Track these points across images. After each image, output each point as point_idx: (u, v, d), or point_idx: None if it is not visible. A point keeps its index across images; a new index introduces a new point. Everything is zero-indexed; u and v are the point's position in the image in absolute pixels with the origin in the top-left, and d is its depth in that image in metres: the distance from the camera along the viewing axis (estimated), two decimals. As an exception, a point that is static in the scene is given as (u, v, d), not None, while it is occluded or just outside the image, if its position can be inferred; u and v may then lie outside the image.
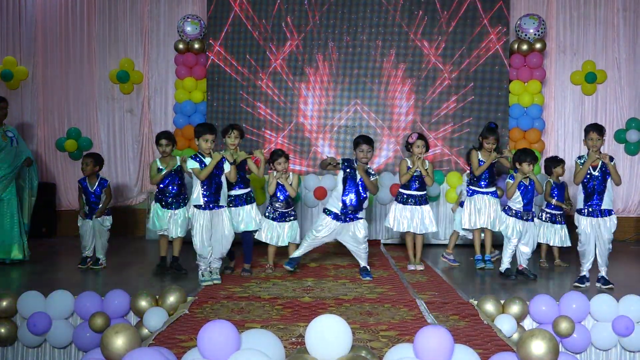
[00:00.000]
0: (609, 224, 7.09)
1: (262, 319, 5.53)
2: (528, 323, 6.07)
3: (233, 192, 7.60)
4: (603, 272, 7.14)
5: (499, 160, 8.24)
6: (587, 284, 7.12)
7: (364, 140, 7.50)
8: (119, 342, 3.71)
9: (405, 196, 8.08)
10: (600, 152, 7.05)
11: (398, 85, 10.70)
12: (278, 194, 7.81)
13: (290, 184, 7.80)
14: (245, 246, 7.81)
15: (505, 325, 5.78)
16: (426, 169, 7.92)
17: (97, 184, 8.02)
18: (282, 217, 7.86)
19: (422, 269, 8.11)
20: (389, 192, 10.28)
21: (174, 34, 11.14)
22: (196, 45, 10.82)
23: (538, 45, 10.71)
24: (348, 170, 7.43)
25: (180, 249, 7.82)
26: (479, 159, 8.21)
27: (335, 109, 10.73)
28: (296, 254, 7.61)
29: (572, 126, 11.24)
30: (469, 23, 10.66)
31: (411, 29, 10.68)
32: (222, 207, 7.09)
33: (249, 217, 7.67)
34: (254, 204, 7.80)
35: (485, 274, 7.96)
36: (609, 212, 7.09)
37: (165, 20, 11.40)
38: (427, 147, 8.07)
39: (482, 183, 8.26)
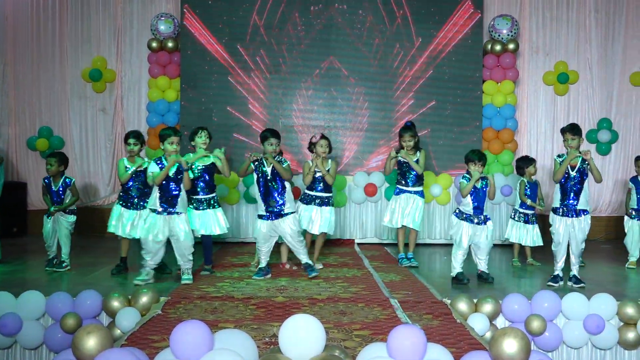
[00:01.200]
0: (583, 224, 7.14)
1: (236, 319, 5.51)
2: (501, 322, 6.11)
3: (197, 196, 7.59)
4: (575, 271, 7.20)
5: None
6: (561, 282, 7.18)
7: (272, 134, 7.48)
8: (91, 342, 3.67)
9: (309, 197, 8.06)
10: (580, 151, 7.10)
11: (373, 86, 10.70)
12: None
13: (328, 171, 7.89)
14: (205, 249, 7.78)
15: (478, 324, 5.81)
16: (328, 170, 7.93)
17: (60, 182, 7.93)
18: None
19: (320, 267, 8.12)
20: (364, 192, 10.31)
21: (147, 33, 11.07)
22: (170, 44, 10.75)
23: (511, 46, 10.78)
24: (258, 167, 7.40)
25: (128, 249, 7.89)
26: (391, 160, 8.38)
27: (311, 109, 10.70)
28: (261, 263, 7.57)
29: (545, 126, 11.33)
30: (442, 22, 10.69)
31: (385, 28, 10.69)
32: (179, 213, 7.02)
33: (211, 221, 7.64)
34: (219, 209, 7.76)
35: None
36: (584, 212, 7.14)
37: (139, 19, 11.32)
38: (330, 148, 8.04)
39: (410, 182, 8.34)
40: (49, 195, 7.95)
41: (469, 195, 7.36)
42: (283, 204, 7.33)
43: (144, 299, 5.93)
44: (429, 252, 9.43)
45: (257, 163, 7.38)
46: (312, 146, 7.98)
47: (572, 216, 7.12)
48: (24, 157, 11.43)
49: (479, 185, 7.38)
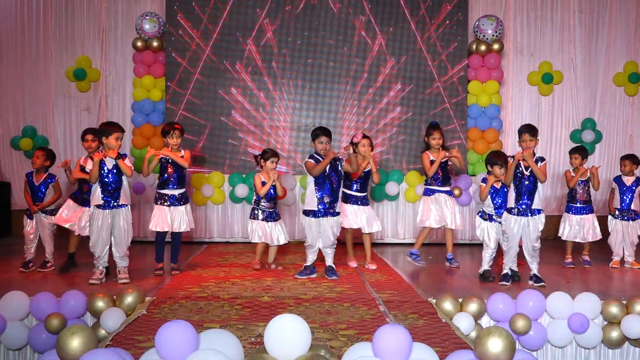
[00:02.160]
0: (538, 223, 7.18)
1: (221, 319, 5.50)
2: (485, 321, 6.13)
3: (167, 191, 7.62)
4: (535, 270, 7.24)
5: (451, 160, 8.33)
6: (511, 281, 7.24)
7: (323, 132, 7.51)
8: (75, 343, 3.66)
9: (348, 196, 8.16)
10: (523, 152, 7.17)
11: (357, 86, 10.71)
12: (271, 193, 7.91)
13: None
14: (173, 247, 7.80)
15: (463, 323, 5.83)
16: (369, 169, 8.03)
17: (43, 179, 7.88)
18: (271, 217, 7.97)
19: (374, 267, 8.20)
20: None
21: (132, 32, 11.02)
22: (155, 43, 10.71)
23: (496, 46, 10.82)
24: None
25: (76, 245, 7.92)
26: (430, 159, 8.32)
27: (295, 110, 10.70)
28: (308, 262, 7.61)
29: (529, 126, 11.37)
30: (428, 22, 10.72)
31: (371, 27, 10.70)
32: (122, 206, 7.11)
33: (181, 217, 7.66)
34: (188, 205, 7.80)
35: (447, 273, 8.02)
36: (538, 212, 7.19)
37: (124, 18, 11.26)
38: (372, 146, 8.17)
39: (438, 182, 8.37)
40: (29, 191, 7.89)
41: (489, 197, 7.63)
42: (336, 202, 7.44)
43: (129, 299, 5.91)
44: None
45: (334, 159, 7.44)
46: (353, 145, 7.98)
47: (526, 215, 7.16)
48: (8, 156, 11.35)
49: (498, 185, 7.61)
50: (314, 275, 7.45)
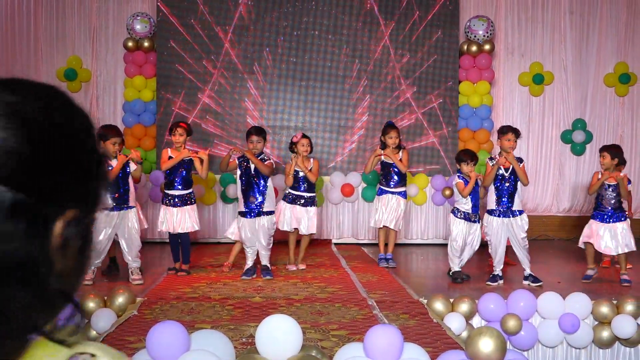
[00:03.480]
0: (521, 222, 7.21)
1: (213, 320, 5.50)
2: (477, 321, 6.14)
3: (173, 192, 7.60)
4: (528, 270, 7.28)
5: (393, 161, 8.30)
6: (500, 281, 7.26)
7: (255, 131, 7.52)
8: (66, 344, 3.65)
9: (293, 196, 8.03)
10: (507, 155, 7.22)
11: (347, 85, 10.71)
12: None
13: (310, 169, 7.89)
14: (183, 247, 7.77)
15: (454, 323, 5.84)
16: (310, 168, 7.95)
17: None
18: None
19: (303, 268, 8.16)
20: (340, 192, 10.31)
21: (123, 32, 10.99)
22: (146, 44, 10.68)
23: (487, 47, 10.84)
24: (241, 162, 7.45)
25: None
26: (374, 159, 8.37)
27: (285, 108, 10.70)
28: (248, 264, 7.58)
29: (520, 127, 11.29)
30: (419, 23, 10.73)
31: (362, 28, 10.71)
32: (131, 207, 7.15)
33: (187, 218, 7.65)
34: (194, 205, 7.77)
35: (437, 274, 8.04)
36: (519, 212, 7.22)
37: (114, 18, 11.22)
38: (311, 147, 8.07)
39: (392, 183, 8.35)
40: None
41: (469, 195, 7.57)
42: (263, 202, 7.36)
43: (120, 300, 5.90)
44: (406, 252, 9.46)
45: (241, 159, 7.40)
46: (293, 146, 7.98)
47: (508, 216, 7.20)
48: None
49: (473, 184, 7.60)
50: (254, 276, 7.46)
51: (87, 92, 11.23)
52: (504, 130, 7.34)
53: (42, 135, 0.86)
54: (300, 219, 7.94)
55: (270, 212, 7.45)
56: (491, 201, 7.28)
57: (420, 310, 5.86)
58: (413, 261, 9.04)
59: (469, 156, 7.59)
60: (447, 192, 10.05)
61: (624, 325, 6.08)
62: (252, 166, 7.35)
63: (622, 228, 7.44)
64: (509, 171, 7.15)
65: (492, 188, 7.26)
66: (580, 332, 6.10)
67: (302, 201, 7.95)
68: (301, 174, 7.90)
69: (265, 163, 7.44)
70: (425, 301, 6.17)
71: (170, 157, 7.53)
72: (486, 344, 3.48)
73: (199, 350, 3.50)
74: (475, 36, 10.76)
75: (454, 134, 10.72)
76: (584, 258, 7.74)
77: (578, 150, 11.36)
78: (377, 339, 3.62)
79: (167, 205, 7.59)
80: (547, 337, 6.15)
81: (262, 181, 7.38)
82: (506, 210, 7.17)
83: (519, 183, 7.20)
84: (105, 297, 5.97)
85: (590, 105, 11.49)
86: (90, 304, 5.83)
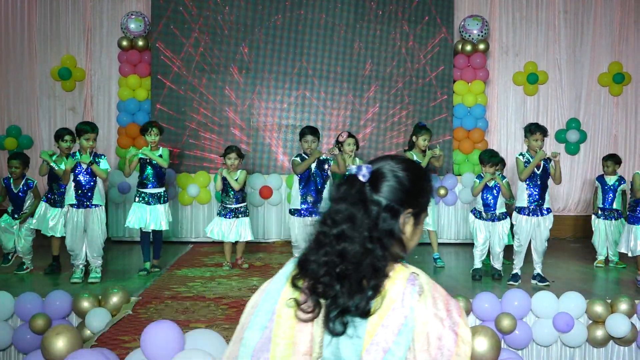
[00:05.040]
0: (548, 222, 7.24)
1: (207, 319, 5.50)
2: (471, 320, 6.15)
3: (147, 190, 7.69)
4: (539, 269, 7.30)
5: (430, 160, 8.27)
6: (520, 281, 7.29)
7: (309, 131, 7.52)
8: (60, 343, 3.65)
9: None
10: (553, 152, 7.26)
11: (343, 85, 10.71)
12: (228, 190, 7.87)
13: (236, 179, 7.82)
14: (156, 244, 7.88)
15: (449, 322, 5.83)
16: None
17: (22, 184, 7.81)
18: (232, 214, 7.94)
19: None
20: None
21: (117, 31, 10.96)
22: (140, 43, 10.66)
23: (481, 46, 10.84)
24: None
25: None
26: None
27: (282, 107, 10.69)
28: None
29: (515, 126, 11.41)
30: (414, 20, 10.74)
31: (356, 27, 10.72)
32: (96, 206, 7.15)
33: (159, 216, 7.71)
34: (167, 204, 7.85)
35: (433, 272, 8.05)
36: (548, 211, 7.24)
37: (109, 17, 11.20)
38: (357, 145, 8.14)
39: None
40: (8, 196, 7.82)
41: (480, 194, 7.66)
42: (320, 202, 7.42)
43: (115, 299, 5.89)
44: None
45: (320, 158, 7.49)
46: (339, 145, 8.00)
47: (537, 215, 7.21)
48: (-8, 156, 11.28)
49: (491, 184, 7.62)
50: None
51: (81, 91, 11.21)
52: (532, 130, 7.32)
53: (413, 179, 1.95)
54: None
55: None
56: (521, 199, 7.30)
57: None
58: (408, 261, 9.02)
59: (488, 157, 7.65)
60: (442, 192, 10.05)
61: (618, 324, 6.09)
62: (313, 166, 7.40)
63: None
64: (540, 168, 7.18)
65: (523, 185, 7.27)
66: (574, 331, 6.11)
67: None
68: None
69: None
70: (420, 300, 6.17)
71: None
72: (481, 343, 3.49)
73: (194, 350, 3.50)
74: (469, 35, 10.77)
75: (449, 133, 10.72)
76: (580, 257, 7.79)
77: (572, 149, 11.38)
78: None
79: (139, 203, 7.67)
80: (542, 336, 6.16)
81: (320, 181, 7.42)
82: (536, 208, 7.19)
83: (549, 180, 7.24)
84: (100, 297, 5.96)
85: (584, 104, 11.51)
86: (85, 304, 5.82)
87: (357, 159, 8.04)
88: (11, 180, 7.78)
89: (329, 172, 7.54)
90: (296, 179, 7.42)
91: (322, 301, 1.83)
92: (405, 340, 1.77)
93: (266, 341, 1.86)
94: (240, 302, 6.04)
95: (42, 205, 7.77)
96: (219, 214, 7.96)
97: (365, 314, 1.79)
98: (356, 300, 1.79)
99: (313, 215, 7.36)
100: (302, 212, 7.37)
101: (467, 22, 10.82)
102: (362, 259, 1.81)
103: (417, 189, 1.93)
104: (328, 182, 7.58)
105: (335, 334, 1.80)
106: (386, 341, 1.77)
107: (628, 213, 7.98)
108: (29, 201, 7.81)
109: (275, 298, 1.94)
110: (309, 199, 7.35)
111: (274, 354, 1.85)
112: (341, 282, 1.80)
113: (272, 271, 7.62)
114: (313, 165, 7.37)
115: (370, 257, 1.81)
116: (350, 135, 8.08)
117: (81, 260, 7.15)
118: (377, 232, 1.84)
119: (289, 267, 1.98)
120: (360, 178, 1.88)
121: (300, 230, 7.42)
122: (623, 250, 7.78)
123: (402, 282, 1.85)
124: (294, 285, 1.89)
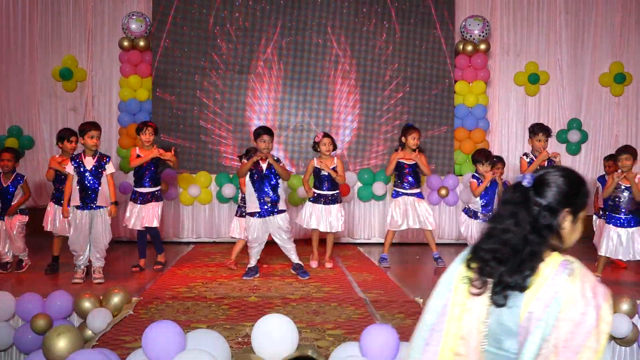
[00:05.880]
0: None
1: (208, 319, 5.49)
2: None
3: (142, 189, 7.77)
4: None
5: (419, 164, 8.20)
6: None
7: (264, 131, 7.44)
8: (62, 344, 3.66)
9: (316, 195, 8.09)
10: (551, 153, 7.26)
11: (344, 86, 10.72)
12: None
13: (334, 169, 7.96)
14: (155, 240, 7.96)
15: (450, 322, 5.84)
16: (333, 168, 7.97)
17: (12, 179, 7.78)
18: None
19: (330, 266, 8.17)
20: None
21: (118, 31, 10.98)
22: (141, 43, 10.68)
23: (482, 47, 10.85)
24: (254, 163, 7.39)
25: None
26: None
27: (283, 109, 10.70)
28: (251, 263, 7.52)
29: (516, 126, 11.43)
30: (415, 22, 10.75)
31: (358, 27, 10.72)
32: (100, 207, 7.12)
33: (152, 214, 7.77)
34: (161, 202, 7.92)
35: (432, 273, 8.05)
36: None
37: (110, 17, 11.22)
38: (335, 146, 8.10)
39: (406, 185, 8.28)
40: None
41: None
42: (277, 200, 7.32)
43: (116, 300, 5.89)
44: (401, 252, 9.46)
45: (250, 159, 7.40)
46: (316, 145, 8.00)
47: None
48: (-7, 156, 11.27)
49: (487, 184, 7.69)
50: (257, 276, 7.43)
51: (82, 91, 11.23)
52: (535, 131, 7.31)
53: (570, 183, 2.37)
54: (325, 218, 8.06)
55: (283, 211, 7.41)
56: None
57: (416, 310, 5.86)
58: (409, 261, 9.03)
59: (484, 156, 7.65)
60: (443, 192, 10.06)
61: (619, 325, 6.09)
62: (264, 166, 7.31)
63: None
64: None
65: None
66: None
67: (325, 200, 8.06)
68: (323, 172, 7.98)
69: (281, 165, 7.44)
70: (420, 300, 6.17)
71: (138, 156, 7.73)
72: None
73: (195, 350, 3.50)
74: (470, 36, 10.78)
75: (450, 133, 10.73)
76: (581, 257, 7.71)
77: (574, 149, 11.38)
78: (373, 339, 3.63)
79: (134, 202, 7.77)
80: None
81: (274, 180, 7.35)
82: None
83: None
84: (101, 297, 5.96)
85: (585, 104, 11.52)
86: (86, 304, 5.82)
87: (335, 159, 8.06)
88: (0, 174, 7.76)
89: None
90: (248, 181, 7.36)
91: (489, 280, 2.34)
92: (555, 311, 2.19)
93: (445, 310, 2.44)
94: (242, 302, 6.03)
95: (50, 207, 7.76)
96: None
97: (523, 289, 2.27)
98: (516, 278, 2.27)
99: (273, 214, 7.29)
100: (262, 212, 7.32)
101: (468, 23, 10.83)
102: (522, 247, 2.29)
103: (574, 192, 2.38)
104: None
105: (498, 305, 2.30)
106: (539, 311, 2.21)
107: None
108: (18, 196, 7.78)
109: (452, 275, 2.50)
110: (267, 199, 7.29)
111: (448, 326, 2.41)
112: (504, 264, 2.30)
113: (274, 271, 7.64)
114: (264, 166, 7.31)
115: (530, 245, 2.29)
116: (325, 135, 8.04)
117: (83, 261, 7.16)
118: (538, 226, 2.31)
119: (464, 253, 2.55)
120: (525, 184, 2.38)
121: (259, 229, 7.36)
122: None
123: (555, 264, 2.30)
124: (468, 266, 2.43)
